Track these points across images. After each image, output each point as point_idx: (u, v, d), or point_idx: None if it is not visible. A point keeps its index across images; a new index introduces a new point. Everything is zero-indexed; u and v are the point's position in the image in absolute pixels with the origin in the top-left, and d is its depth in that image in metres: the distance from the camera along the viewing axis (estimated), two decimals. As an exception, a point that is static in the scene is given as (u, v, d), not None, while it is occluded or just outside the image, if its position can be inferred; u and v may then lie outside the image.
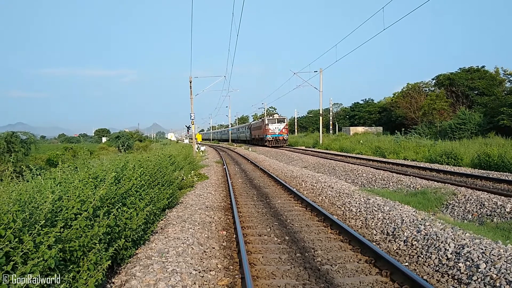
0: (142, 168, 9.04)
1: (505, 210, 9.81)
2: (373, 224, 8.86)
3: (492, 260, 5.66)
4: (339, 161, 24.70)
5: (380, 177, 16.48)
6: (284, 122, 52.13)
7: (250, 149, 47.55)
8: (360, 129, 63.52)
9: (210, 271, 6.15)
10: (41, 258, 3.85)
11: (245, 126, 77.53)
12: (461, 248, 6.29)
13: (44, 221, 4.27)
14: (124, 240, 5.90)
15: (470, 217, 10.26)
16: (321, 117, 46.86)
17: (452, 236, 6.84)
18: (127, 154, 14.96)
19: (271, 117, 53.36)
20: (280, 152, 37.48)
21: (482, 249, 6.07)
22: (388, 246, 7.46)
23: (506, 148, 20.77)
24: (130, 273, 5.59)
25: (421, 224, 7.80)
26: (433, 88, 56.49)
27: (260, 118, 65.81)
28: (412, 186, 14.04)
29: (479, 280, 5.34)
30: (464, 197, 11.33)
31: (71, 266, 4.50)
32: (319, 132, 48.36)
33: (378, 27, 20.73)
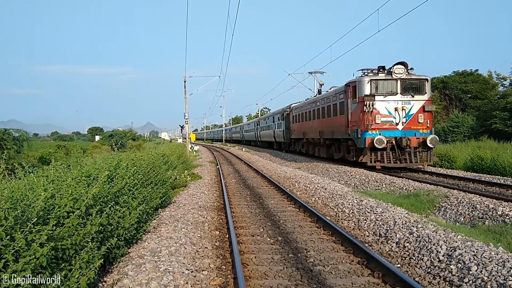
0: (135, 167, 9.00)
1: (496, 213, 9.87)
2: (365, 225, 8.89)
3: (484, 263, 5.70)
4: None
5: (373, 178, 16.53)
6: (423, 94, 18.06)
7: (244, 149, 47.16)
8: (354, 130, 63.44)
9: (202, 270, 6.14)
10: (33, 256, 3.83)
11: (276, 115, 40.34)
12: (453, 250, 6.33)
13: (36, 219, 4.24)
14: (116, 239, 5.88)
15: (462, 219, 10.33)
16: (315, 118, 46.66)
17: (444, 238, 6.88)
18: (120, 153, 14.90)
19: (380, 76, 18.00)
20: (274, 152, 37.38)
21: (473, 251, 6.11)
22: (380, 248, 7.49)
23: (498, 151, 20.92)
24: (122, 272, 5.56)
25: (413, 226, 7.84)
26: (426, 91, 56.78)
27: (332, 88, 24.13)
28: (404, 188, 14.09)
29: (471, 282, 5.38)
30: (457, 200, 11.39)
31: (63, 265, 4.48)
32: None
33: (373, 28, 20.77)
